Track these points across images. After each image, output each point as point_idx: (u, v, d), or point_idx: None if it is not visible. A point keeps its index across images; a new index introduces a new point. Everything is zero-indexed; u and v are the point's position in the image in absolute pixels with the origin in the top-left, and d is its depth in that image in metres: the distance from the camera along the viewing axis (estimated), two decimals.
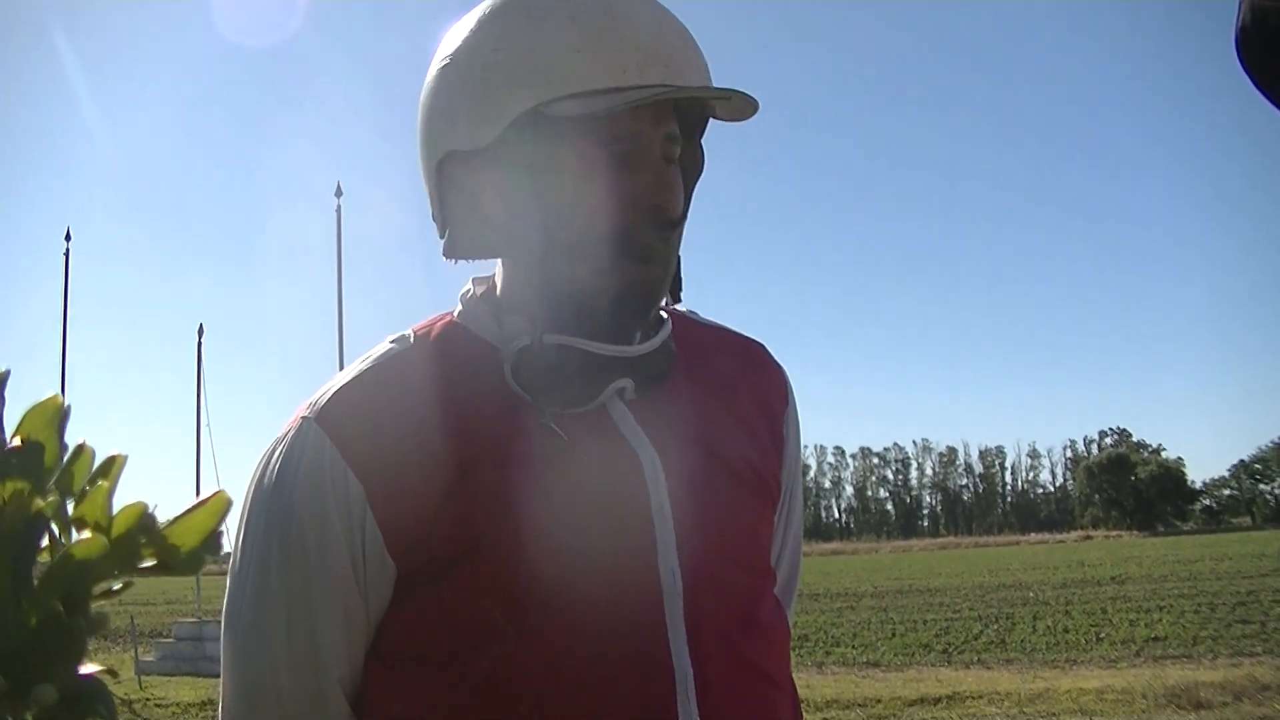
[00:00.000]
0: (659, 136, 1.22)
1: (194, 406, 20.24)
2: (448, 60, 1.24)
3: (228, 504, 0.51)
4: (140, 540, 0.48)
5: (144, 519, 0.49)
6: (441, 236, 1.30)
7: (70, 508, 0.49)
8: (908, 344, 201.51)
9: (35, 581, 0.45)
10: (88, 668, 0.45)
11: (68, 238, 19.58)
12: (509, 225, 1.24)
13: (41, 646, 0.43)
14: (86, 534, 0.46)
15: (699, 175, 1.33)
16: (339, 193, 18.25)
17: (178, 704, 12.01)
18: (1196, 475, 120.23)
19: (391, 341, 1.27)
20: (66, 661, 0.44)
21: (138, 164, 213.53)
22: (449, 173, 1.25)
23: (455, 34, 1.26)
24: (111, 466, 0.51)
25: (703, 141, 1.33)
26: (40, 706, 0.42)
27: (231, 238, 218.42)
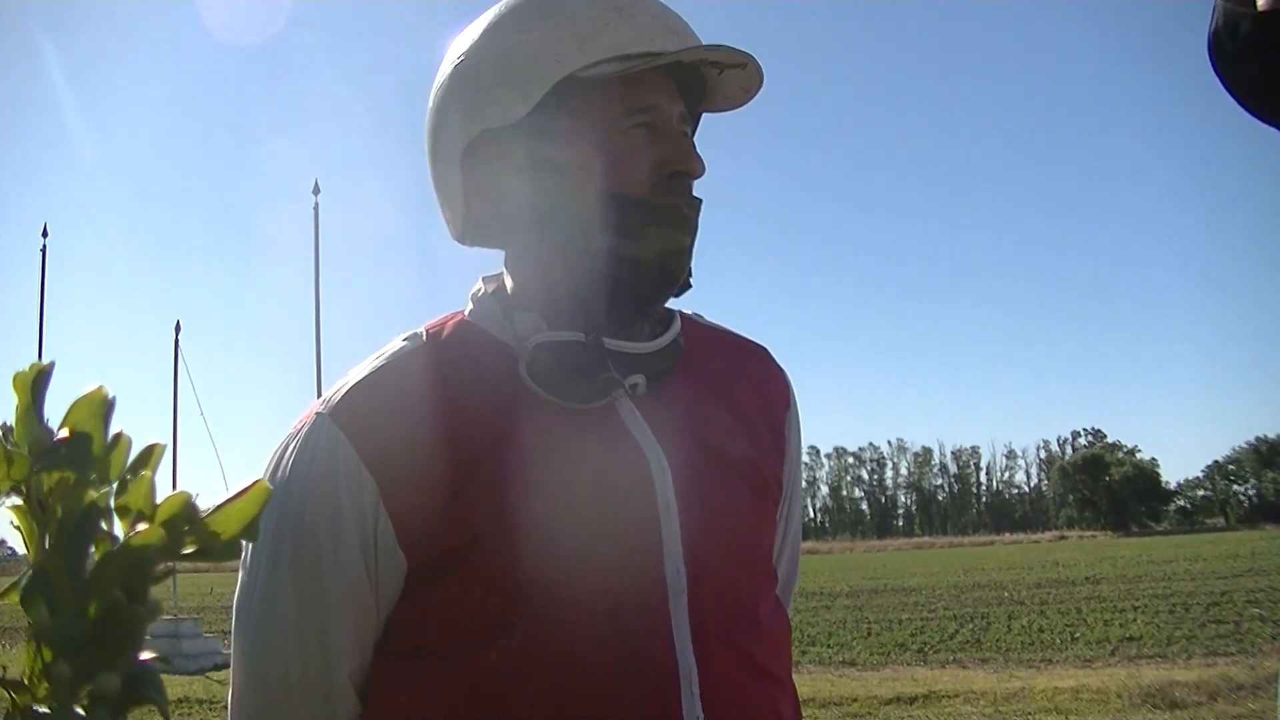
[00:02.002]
0: (675, 112, 1.27)
1: (170, 403, 20.08)
2: (471, 51, 1.28)
3: (267, 493, 0.52)
4: (184, 528, 0.49)
5: (187, 507, 0.49)
6: (459, 225, 1.34)
7: (111, 497, 0.50)
8: (883, 344, 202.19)
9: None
10: (144, 654, 0.45)
11: (45, 234, 19.35)
12: (537, 201, 1.27)
13: (103, 635, 0.44)
14: (139, 525, 0.47)
15: None
16: (316, 190, 18.09)
17: None
18: (1171, 476, 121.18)
19: (404, 339, 1.29)
20: (127, 649, 0.44)
21: (115, 159, 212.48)
22: (474, 158, 1.28)
23: (471, 34, 1.30)
24: (150, 455, 0.52)
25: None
26: (101, 693, 0.43)
27: (211, 234, 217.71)
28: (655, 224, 1.23)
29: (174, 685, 13.05)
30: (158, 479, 0.50)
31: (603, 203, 1.23)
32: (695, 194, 1.28)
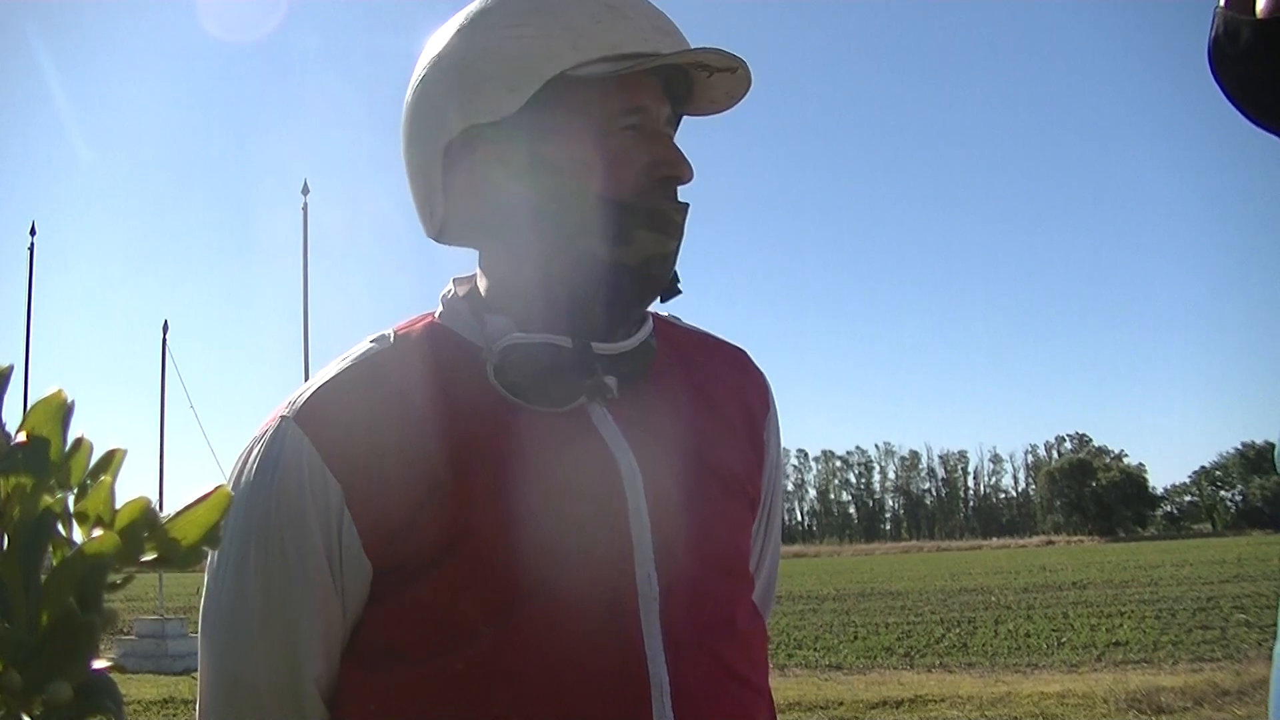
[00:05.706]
0: (663, 114, 1.26)
1: (158, 403, 20.00)
2: (459, 46, 1.25)
3: (228, 499, 0.51)
4: (143, 535, 0.48)
5: (147, 513, 0.48)
6: (435, 222, 1.31)
7: (70, 502, 0.49)
8: (871, 348, 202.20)
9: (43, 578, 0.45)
10: (98, 663, 0.45)
11: (33, 231, 19.27)
12: (518, 202, 1.24)
13: (56, 643, 0.43)
14: (97, 531, 0.47)
15: None
16: (306, 190, 18.01)
17: (139, 701, 11.87)
18: (1158, 481, 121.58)
19: (371, 341, 1.27)
20: (80, 657, 0.44)
21: (104, 157, 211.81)
22: (456, 153, 1.26)
23: (454, 29, 1.27)
24: (111, 461, 0.51)
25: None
26: (53, 703, 0.42)
27: (201, 234, 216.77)
28: (643, 228, 1.21)
29: (160, 685, 13.02)
30: (144, 480, 0.49)
31: (592, 205, 1.21)
32: (681, 199, 1.27)
